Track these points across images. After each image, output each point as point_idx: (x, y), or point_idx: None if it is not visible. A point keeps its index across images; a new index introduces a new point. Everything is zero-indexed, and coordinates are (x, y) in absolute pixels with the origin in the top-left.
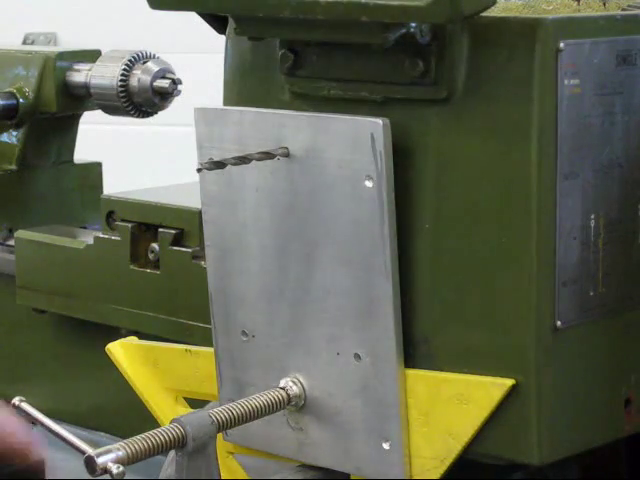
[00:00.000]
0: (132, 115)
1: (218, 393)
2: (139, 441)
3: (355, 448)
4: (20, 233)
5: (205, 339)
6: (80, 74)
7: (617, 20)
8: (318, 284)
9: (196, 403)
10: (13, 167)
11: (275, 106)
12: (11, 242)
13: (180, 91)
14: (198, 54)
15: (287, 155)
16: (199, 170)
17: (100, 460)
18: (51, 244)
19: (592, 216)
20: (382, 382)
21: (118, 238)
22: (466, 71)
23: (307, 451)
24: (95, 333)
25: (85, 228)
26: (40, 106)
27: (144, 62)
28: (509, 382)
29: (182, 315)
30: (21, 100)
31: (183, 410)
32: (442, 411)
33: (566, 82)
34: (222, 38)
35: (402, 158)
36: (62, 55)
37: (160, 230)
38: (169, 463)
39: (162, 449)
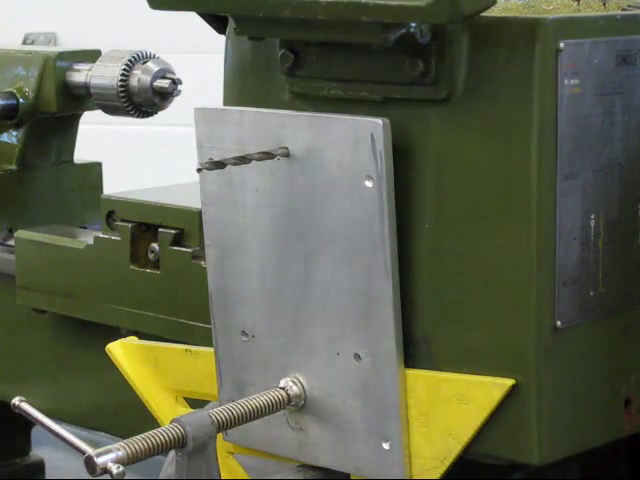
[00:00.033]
0: (132, 115)
1: (218, 393)
2: (139, 441)
3: (355, 448)
4: (20, 233)
5: (205, 339)
6: (80, 74)
7: (617, 20)
8: (318, 284)
9: (196, 403)
10: (13, 167)
11: (275, 106)
12: (11, 242)
13: (180, 91)
14: (198, 54)
15: (287, 155)
16: (199, 170)
17: (100, 460)
18: (51, 244)
19: (592, 216)
20: (382, 382)
21: (118, 238)
22: (466, 71)
23: (307, 451)
24: (95, 333)
25: (85, 228)
26: (40, 106)
27: (144, 62)
28: (509, 382)
29: (182, 315)
30: (21, 100)
31: (183, 410)
32: (442, 411)
33: (566, 82)
34: (222, 38)
35: (402, 158)
36: (62, 55)
37: (160, 230)
38: (169, 463)
39: (162, 449)
